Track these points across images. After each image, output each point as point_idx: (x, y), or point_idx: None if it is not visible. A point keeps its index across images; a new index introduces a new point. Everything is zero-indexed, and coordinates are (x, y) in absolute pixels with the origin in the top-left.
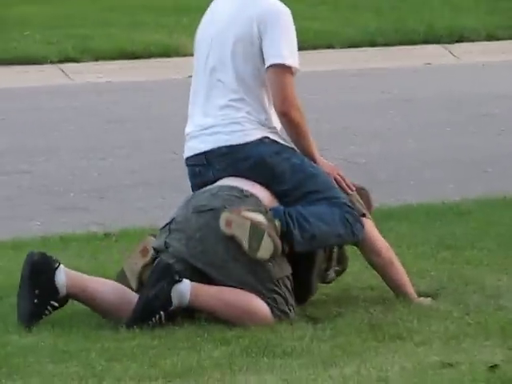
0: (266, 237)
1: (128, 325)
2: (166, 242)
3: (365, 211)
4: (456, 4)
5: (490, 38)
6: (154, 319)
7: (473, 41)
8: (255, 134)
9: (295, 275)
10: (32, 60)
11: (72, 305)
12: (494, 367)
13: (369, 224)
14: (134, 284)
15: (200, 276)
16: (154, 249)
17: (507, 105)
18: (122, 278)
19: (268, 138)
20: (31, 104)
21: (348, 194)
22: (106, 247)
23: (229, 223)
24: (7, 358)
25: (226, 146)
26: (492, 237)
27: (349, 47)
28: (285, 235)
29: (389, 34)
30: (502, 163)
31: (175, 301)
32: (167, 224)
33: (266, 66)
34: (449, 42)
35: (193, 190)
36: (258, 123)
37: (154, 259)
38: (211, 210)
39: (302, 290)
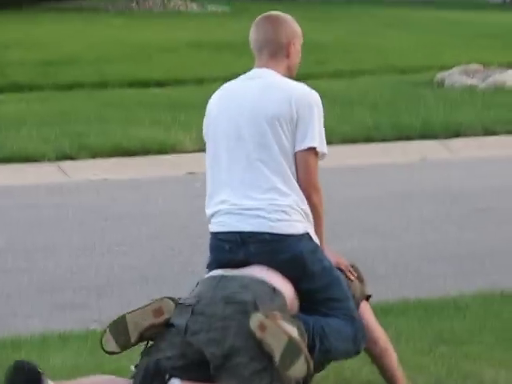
0: (302, 358)
1: None
2: (187, 325)
3: (367, 294)
4: (451, 99)
5: (487, 132)
6: None
7: (469, 136)
8: (299, 227)
9: None
10: (29, 158)
11: None
12: None
13: (368, 311)
14: (133, 337)
15: (197, 371)
16: (173, 325)
17: (505, 199)
18: (118, 330)
19: (308, 233)
20: (29, 201)
21: (351, 280)
22: None
23: (263, 327)
24: None
25: (270, 233)
26: (490, 331)
27: (345, 143)
28: (312, 344)
29: (385, 129)
30: (500, 257)
31: None
32: (191, 304)
33: (299, 149)
34: (445, 137)
35: (211, 264)
36: (300, 214)
37: (166, 324)
38: (241, 302)
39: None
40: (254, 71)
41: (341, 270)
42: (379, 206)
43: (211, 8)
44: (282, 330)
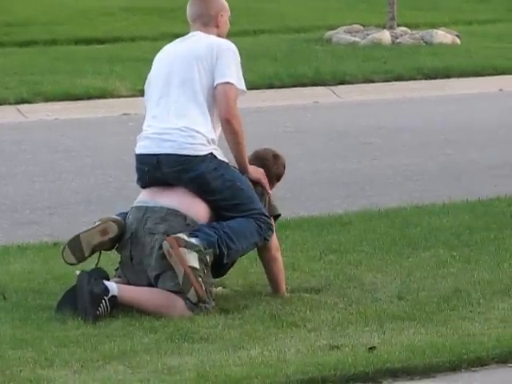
0: (192, 290)
1: (87, 317)
2: (131, 255)
3: (279, 212)
4: (337, 53)
5: (366, 80)
6: (102, 306)
7: (352, 83)
8: (203, 150)
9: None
10: None
11: (26, 302)
12: (372, 348)
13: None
14: (86, 253)
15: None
16: (121, 260)
17: (381, 135)
18: (74, 246)
19: (212, 154)
20: None
21: (268, 194)
22: (55, 254)
23: (169, 254)
24: None
25: (177, 155)
26: (369, 242)
27: (250, 89)
28: (218, 257)
29: (283, 78)
30: (376, 182)
31: (108, 291)
32: (128, 238)
33: (218, 83)
34: (333, 84)
35: (138, 181)
36: (206, 139)
37: (111, 241)
38: (159, 233)
39: (222, 270)
40: (189, 34)
41: (261, 185)
42: (278, 141)
43: None
44: (179, 261)
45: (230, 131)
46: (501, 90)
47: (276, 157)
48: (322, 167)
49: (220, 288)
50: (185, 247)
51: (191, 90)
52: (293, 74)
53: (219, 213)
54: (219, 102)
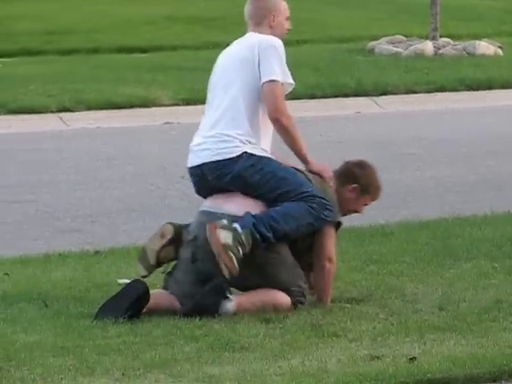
0: (223, 266)
1: (180, 315)
2: (193, 256)
3: (339, 219)
4: (380, 64)
5: (408, 91)
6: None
7: (395, 94)
8: (236, 151)
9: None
10: (35, 110)
11: (67, 310)
12: (412, 359)
13: (329, 233)
14: (152, 260)
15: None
16: (177, 262)
17: (423, 146)
18: (142, 257)
19: (246, 153)
20: (35, 146)
21: (330, 185)
22: (97, 262)
23: (209, 238)
24: (16, 352)
25: (213, 162)
26: (410, 253)
27: (292, 99)
28: (259, 237)
29: (325, 88)
30: (418, 193)
31: (220, 312)
32: (191, 240)
33: (263, 81)
34: (375, 95)
35: (197, 192)
36: (240, 141)
37: (170, 242)
38: None
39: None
40: (245, 35)
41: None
42: (320, 151)
43: None
44: (215, 241)
45: (281, 128)
46: None
47: (362, 165)
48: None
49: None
50: (222, 228)
51: (230, 95)
52: (335, 85)
53: (270, 205)
54: (266, 101)
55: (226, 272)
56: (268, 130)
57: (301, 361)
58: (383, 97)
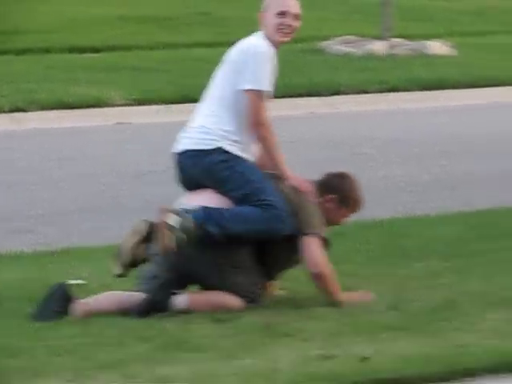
0: (159, 240)
1: (134, 317)
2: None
3: (323, 235)
4: (332, 64)
5: (360, 91)
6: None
7: (347, 94)
8: (213, 144)
9: (273, 265)
10: None
11: (20, 310)
12: (364, 359)
13: (315, 244)
14: (127, 258)
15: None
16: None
17: (375, 146)
18: (118, 256)
19: (221, 148)
20: None
21: (310, 201)
22: (50, 262)
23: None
24: None
25: (190, 150)
26: (363, 253)
27: None
28: (204, 232)
29: (279, 88)
30: (370, 193)
31: (173, 307)
32: None
33: (241, 89)
34: (328, 95)
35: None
36: (220, 136)
37: (144, 239)
38: None
39: (275, 275)
40: None
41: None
42: None
43: None
44: (161, 219)
45: (258, 138)
46: (495, 101)
47: (342, 176)
48: (315, 178)
49: (284, 291)
50: (172, 212)
51: (219, 93)
52: (288, 85)
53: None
54: (246, 110)
55: (161, 247)
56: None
57: (253, 361)
58: (336, 97)
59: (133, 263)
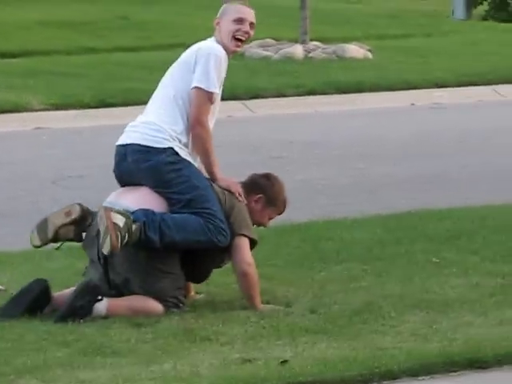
0: (107, 239)
1: (56, 321)
2: (98, 254)
3: (254, 236)
4: (251, 68)
5: (279, 94)
6: (73, 321)
7: (266, 97)
8: (164, 143)
9: (199, 265)
10: None
11: None
12: (284, 362)
13: (244, 244)
14: (50, 234)
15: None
16: (89, 259)
17: (293, 149)
18: (41, 228)
19: (172, 149)
20: None
21: (239, 201)
22: None
23: (101, 217)
24: None
25: (139, 144)
26: (281, 256)
27: None
28: (144, 237)
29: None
30: (288, 196)
31: (93, 314)
32: (96, 236)
33: (191, 87)
34: (246, 99)
35: (114, 173)
36: (170, 136)
37: (72, 222)
38: None
39: (201, 276)
40: None
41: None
42: None
43: None
44: (106, 218)
45: (195, 136)
46: (412, 104)
47: (268, 177)
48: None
49: (202, 295)
50: (116, 212)
51: (168, 93)
52: None
53: (174, 210)
54: (191, 106)
55: (108, 248)
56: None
57: (173, 365)
58: (254, 100)
59: (53, 240)
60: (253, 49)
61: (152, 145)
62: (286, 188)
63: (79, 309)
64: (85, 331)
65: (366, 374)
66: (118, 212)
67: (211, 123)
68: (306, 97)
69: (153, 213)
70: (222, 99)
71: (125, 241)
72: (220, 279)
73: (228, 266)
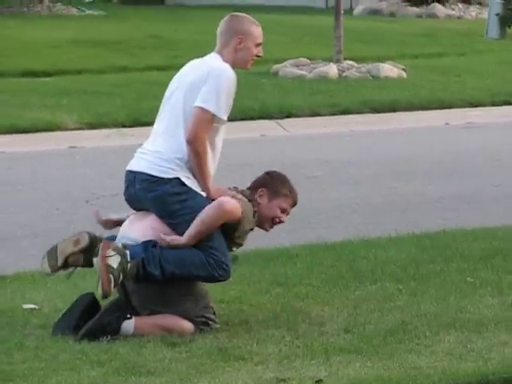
0: (99, 284)
1: (81, 337)
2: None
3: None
4: (284, 87)
5: (313, 114)
6: (101, 338)
7: (299, 116)
8: (170, 173)
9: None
10: None
11: None
12: (319, 382)
13: None
14: (59, 262)
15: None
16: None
17: (327, 168)
18: (50, 255)
19: (178, 179)
20: None
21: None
22: (2, 287)
23: (98, 254)
24: None
25: (147, 174)
26: (316, 275)
27: None
28: (143, 271)
29: (231, 111)
30: (323, 215)
31: (121, 331)
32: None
33: (194, 106)
34: (280, 118)
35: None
36: (176, 164)
37: (81, 251)
38: None
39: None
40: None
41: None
42: (225, 174)
43: (89, 12)
44: (101, 259)
45: (192, 152)
46: (447, 123)
47: (268, 172)
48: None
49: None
50: (112, 249)
51: (175, 115)
52: (240, 108)
53: None
54: (190, 122)
55: (100, 292)
56: (213, 156)
57: None
58: (288, 119)
59: (64, 267)
60: (287, 68)
61: (158, 175)
62: (290, 180)
63: (107, 325)
64: (119, 350)
65: None
66: (115, 249)
67: (220, 143)
68: (341, 116)
69: (154, 246)
70: (255, 118)
71: (119, 280)
72: (254, 298)
73: (262, 286)
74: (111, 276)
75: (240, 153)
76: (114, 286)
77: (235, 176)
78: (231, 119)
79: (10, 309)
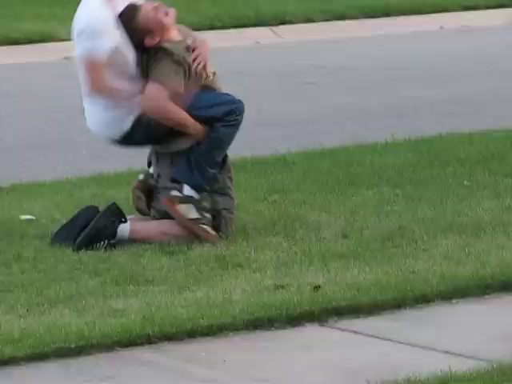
0: (202, 239)
1: (79, 245)
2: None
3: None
4: None
5: (307, 20)
6: (98, 245)
7: (293, 23)
8: None
9: None
10: None
11: None
12: (317, 287)
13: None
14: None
15: None
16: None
17: (322, 74)
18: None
19: None
20: None
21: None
22: None
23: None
24: None
25: None
26: (313, 182)
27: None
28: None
29: (224, 19)
30: (318, 122)
31: (117, 235)
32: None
33: None
34: (274, 25)
35: None
36: None
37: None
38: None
39: None
40: None
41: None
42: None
43: None
44: (179, 219)
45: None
46: (441, 27)
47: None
48: (264, 107)
49: None
50: (180, 203)
51: None
52: (234, 15)
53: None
54: None
55: (209, 242)
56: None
57: (205, 292)
58: (282, 26)
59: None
60: None
61: None
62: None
63: (103, 228)
64: (117, 260)
65: (399, 298)
66: (181, 201)
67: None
68: (334, 22)
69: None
70: (250, 25)
71: (210, 217)
72: (250, 206)
73: (259, 194)
74: (202, 225)
75: (235, 61)
76: (210, 226)
77: (231, 84)
78: (226, 27)
79: (7, 220)
